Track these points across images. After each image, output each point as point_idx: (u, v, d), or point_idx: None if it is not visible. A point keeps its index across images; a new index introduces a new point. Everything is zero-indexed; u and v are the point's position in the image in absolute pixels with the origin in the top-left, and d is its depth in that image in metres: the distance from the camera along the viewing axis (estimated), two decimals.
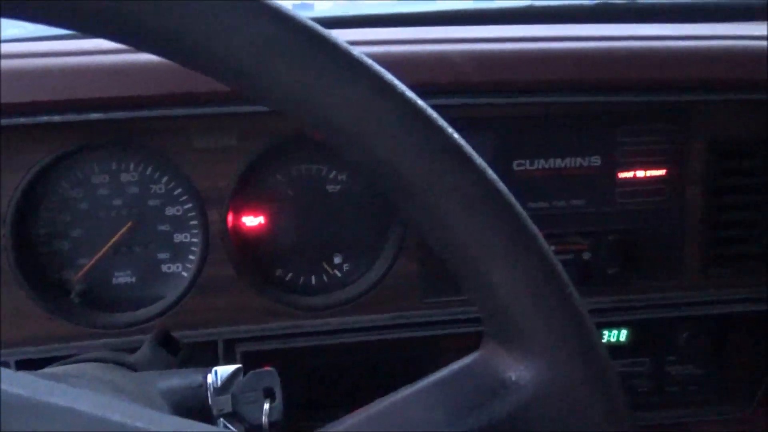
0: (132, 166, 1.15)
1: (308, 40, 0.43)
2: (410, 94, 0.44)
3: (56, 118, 1.03)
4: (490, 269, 0.44)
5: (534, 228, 0.47)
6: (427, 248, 1.19)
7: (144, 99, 1.05)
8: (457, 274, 0.50)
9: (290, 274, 1.23)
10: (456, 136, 0.45)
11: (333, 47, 0.43)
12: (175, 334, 1.05)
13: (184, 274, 1.19)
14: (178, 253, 1.19)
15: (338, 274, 1.23)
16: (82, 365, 0.91)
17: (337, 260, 1.23)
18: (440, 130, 0.44)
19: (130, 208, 1.16)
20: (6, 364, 1.10)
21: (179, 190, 1.16)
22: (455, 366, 0.51)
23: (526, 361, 0.45)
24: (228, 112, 1.07)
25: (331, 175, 1.20)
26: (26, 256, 1.11)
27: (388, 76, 0.44)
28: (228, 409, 0.83)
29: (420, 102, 0.45)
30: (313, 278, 1.23)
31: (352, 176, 1.19)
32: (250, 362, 1.11)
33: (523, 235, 0.45)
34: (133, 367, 0.92)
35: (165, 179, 1.16)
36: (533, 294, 0.45)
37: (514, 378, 0.46)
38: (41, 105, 1.03)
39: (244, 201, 1.16)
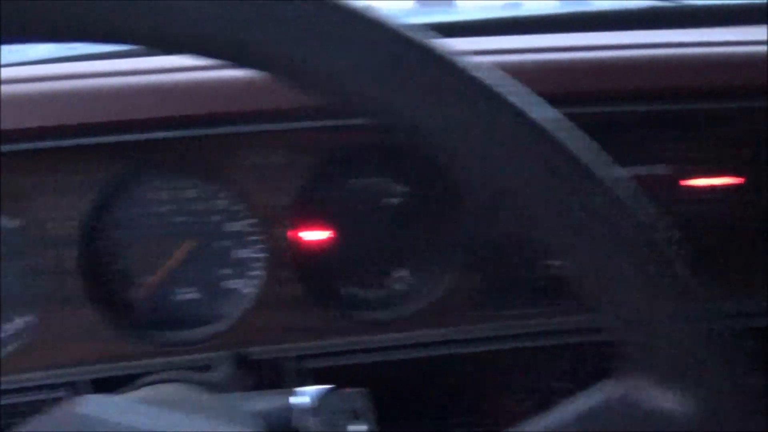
0: (192, 183, 1.14)
1: (430, 60, 0.42)
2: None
3: (118, 138, 1.02)
4: (647, 298, 0.42)
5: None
6: (493, 262, 1.17)
7: (202, 117, 1.04)
8: (591, 294, 0.47)
9: (352, 289, 1.21)
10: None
11: (456, 68, 0.41)
12: (242, 351, 1.03)
13: (246, 290, 1.18)
14: (240, 269, 1.17)
15: (402, 288, 1.22)
16: (164, 387, 0.89)
17: (400, 274, 1.21)
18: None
19: (191, 225, 1.15)
20: (80, 384, 1.09)
21: (239, 206, 1.15)
22: (592, 396, 0.48)
23: (683, 391, 0.43)
24: (283, 129, 1.05)
25: (392, 188, 1.18)
26: (93, 276, 1.09)
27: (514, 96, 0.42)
28: (317, 428, 0.82)
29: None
30: (375, 293, 1.22)
31: (414, 188, 1.17)
32: (318, 379, 1.10)
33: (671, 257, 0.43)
34: (214, 388, 0.91)
35: (225, 195, 1.14)
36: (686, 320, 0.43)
37: (671, 410, 0.44)
38: (103, 125, 1.02)
39: (305, 216, 1.15)
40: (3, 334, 1.14)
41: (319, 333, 1.15)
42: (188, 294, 1.17)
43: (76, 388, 1.10)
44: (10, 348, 1.10)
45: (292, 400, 0.80)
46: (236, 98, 1.04)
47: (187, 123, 1.04)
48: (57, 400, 1.07)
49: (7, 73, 1.07)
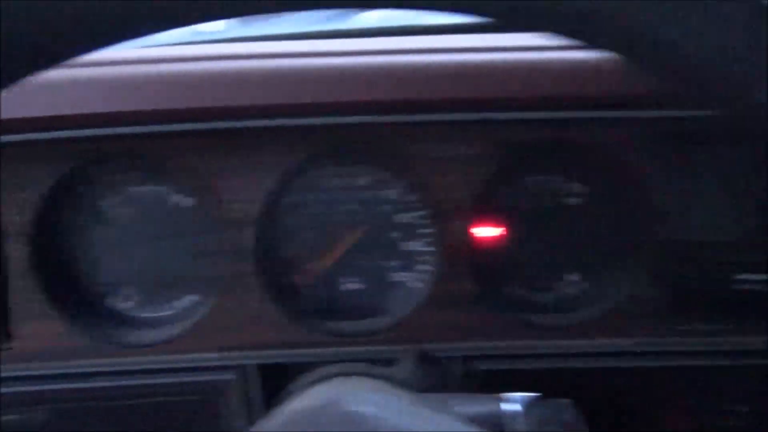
0: (367, 169, 1.10)
1: None
2: None
3: (303, 121, 0.99)
4: None
5: None
6: (678, 271, 1.10)
7: (385, 103, 1.01)
8: None
9: (522, 291, 1.16)
10: None
11: None
12: (408, 348, 0.99)
13: (412, 284, 1.14)
14: (407, 262, 1.14)
15: (573, 292, 1.15)
16: (352, 380, 0.86)
17: (572, 278, 1.15)
18: None
19: (361, 213, 1.11)
20: (248, 369, 1.07)
21: (412, 197, 1.11)
22: None
23: None
24: (470, 120, 1.00)
25: (571, 187, 1.12)
26: (265, 260, 1.08)
27: None
28: None
29: None
30: (545, 295, 1.16)
31: (594, 189, 1.11)
32: (487, 382, 1.05)
33: None
34: (400, 384, 0.87)
35: (398, 185, 1.11)
36: None
37: None
38: (288, 108, 1.00)
39: (480, 213, 1.09)
40: (170, 312, 1.13)
41: (487, 334, 1.10)
42: (354, 284, 1.14)
43: (243, 373, 1.08)
44: (177, 328, 1.09)
45: (503, 406, 0.75)
46: (420, 87, 0.99)
47: (370, 109, 1.00)
48: (225, 383, 1.05)
49: (186, 51, 1.06)
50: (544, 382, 1.11)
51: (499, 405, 0.73)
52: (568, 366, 1.11)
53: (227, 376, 1.08)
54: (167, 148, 1.01)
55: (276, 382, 1.10)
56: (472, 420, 0.73)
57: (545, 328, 1.12)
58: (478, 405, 0.73)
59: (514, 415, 0.75)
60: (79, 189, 1.06)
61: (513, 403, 0.75)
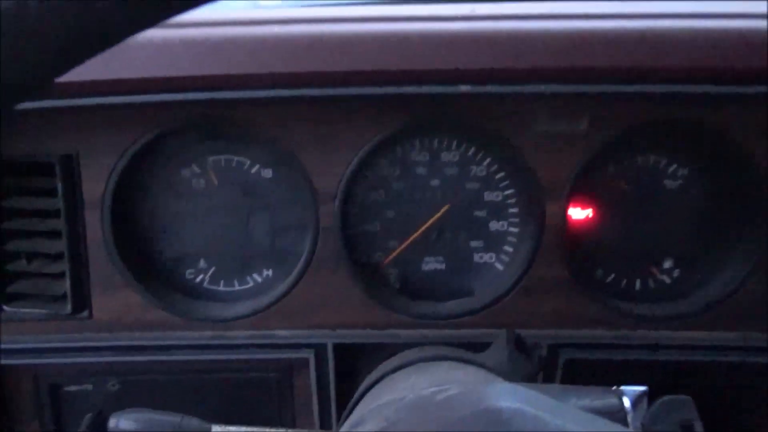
0: (454, 144, 1.04)
1: None
2: None
3: (383, 91, 0.93)
4: None
5: None
6: None
7: (482, 73, 0.93)
8: None
9: (612, 276, 1.10)
10: None
11: None
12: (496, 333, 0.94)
13: (498, 266, 1.08)
14: (493, 242, 1.08)
15: (666, 280, 1.09)
16: (444, 365, 0.81)
17: (666, 265, 1.08)
18: None
19: (446, 191, 1.06)
20: (323, 347, 1.03)
21: (501, 174, 1.05)
22: None
23: None
24: (581, 92, 0.92)
25: (671, 170, 1.04)
26: (348, 236, 1.03)
27: None
28: None
29: None
30: (637, 282, 1.09)
31: (696, 172, 1.03)
32: (572, 371, 0.99)
33: None
34: (494, 371, 0.82)
35: (487, 161, 1.05)
36: None
37: None
38: (380, 75, 0.93)
39: (577, 194, 1.03)
40: (247, 287, 1.09)
41: (576, 322, 1.04)
42: (438, 264, 1.09)
43: (323, 352, 1.04)
44: (254, 303, 1.05)
45: (622, 401, 0.69)
46: (527, 53, 0.92)
47: (465, 78, 0.93)
48: (303, 361, 1.01)
49: (274, 13, 1.01)
50: (632, 375, 1.05)
51: (620, 398, 0.67)
52: (660, 359, 1.04)
53: (305, 354, 1.04)
54: (250, 116, 0.96)
55: (350, 362, 1.06)
56: (597, 413, 0.67)
57: (641, 319, 1.05)
58: (595, 398, 0.67)
59: (635, 408, 0.69)
60: (160, 158, 1.02)
61: (631, 396, 0.69)
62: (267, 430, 0.73)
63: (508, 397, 0.40)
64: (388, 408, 0.56)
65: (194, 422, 0.75)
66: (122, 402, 1.10)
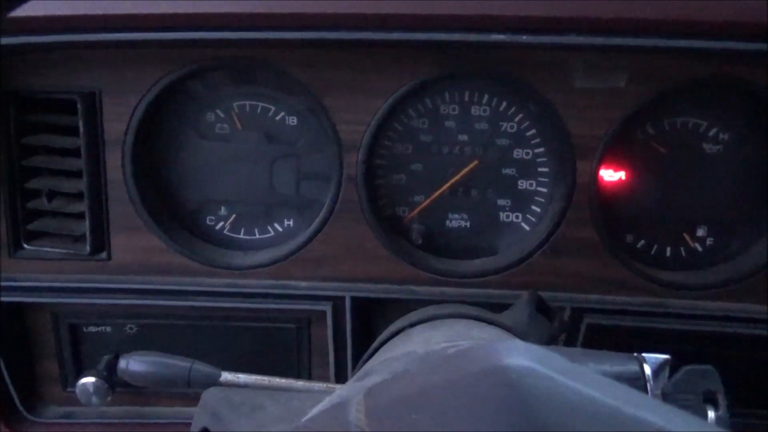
0: (485, 98, 1.01)
1: None
2: None
3: (413, 37, 0.89)
4: None
5: None
6: None
7: (518, 21, 0.88)
8: None
9: (642, 241, 1.05)
10: None
11: None
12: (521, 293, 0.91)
13: (525, 226, 1.05)
14: (520, 201, 1.04)
15: (699, 248, 1.05)
16: (462, 323, 0.78)
17: (700, 233, 1.04)
18: None
19: (474, 146, 1.02)
20: (342, 299, 1.01)
21: (532, 131, 1.01)
22: None
23: None
24: (621, 46, 0.87)
25: (712, 133, 0.99)
26: (370, 188, 1.00)
27: None
28: None
29: None
30: (668, 249, 1.06)
31: (738, 136, 0.98)
32: (595, 337, 0.96)
33: None
34: (513, 331, 0.79)
35: (518, 118, 1.01)
36: None
37: None
38: (401, 20, 0.88)
39: (611, 154, 0.99)
40: (267, 236, 1.07)
41: (603, 286, 1.00)
42: (463, 221, 1.06)
43: (337, 304, 1.02)
44: (274, 252, 1.03)
45: (642, 367, 0.66)
46: (565, 0, 0.86)
47: (501, 26, 0.89)
48: (316, 313, 1.00)
49: None
50: (656, 344, 1.02)
51: (640, 365, 0.64)
52: (685, 329, 1.01)
53: (322, 306, 1.02)
54: (278, 59, 0.93)
55: (368, 316, 1.04)
56: (615, 378, 0.65)
57: (672, 286, 1.02)
58: (613, 363, 0.65)
59: (656, 376, 0.66)
60: (184, 100, 1.00)
61: (653, 364, 0.66)
62: (277, 379, 0.71)
63: (520, 355, 0.38)
64: (398, 361, 0.53)
65: (205, 368, 0.73)
66: (139, 345, 1.10)
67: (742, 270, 1.00)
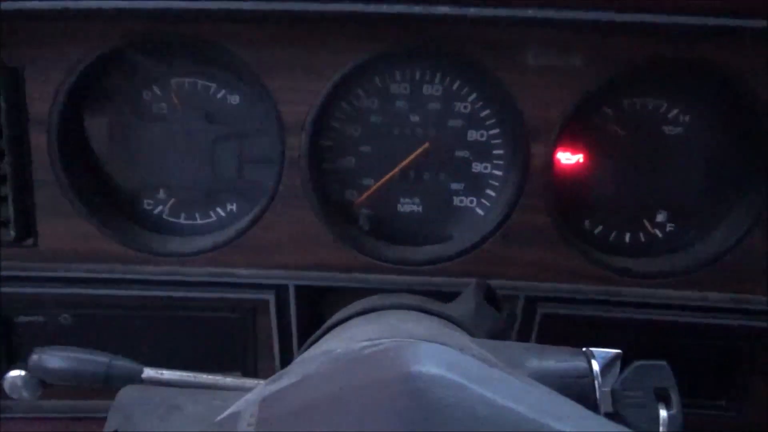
0: (438, 77, 0.96)
1: None
2: None
3: (359, 9, 0.84)
4: None
5: None
6: None
7: None
8: None
9: (600, 227, 1.01)
10: None
11: None
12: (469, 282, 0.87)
13: (479, 211, 1.00)
14: (475, 185, 0.99)
15: (659, 234, 1.01)
16: (410, 315, 0.73)
17: (660, 218, 1.00)
18: None
19: (427, 127, 0.97)
20: (285, 288, 0.96)
21: (486, 111, 0.96)
22: None
23: None
24: (576, 20, 0.83)
25: (672, 114, 0.95)
26: (316, 173, 0.95)
27: None
28: (607, 408, 0.64)
29: None
30: (627, 236, 1.02)
31: (699, 118, 0.94)
32: (551, 327, 0.92)
33: None
34: (458, 323, 0.74)
35: (472, 98, 0.95)
36: None
37: None
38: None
39: (567, 136, 0.94)
40: (208, 221, 1.01)
41: (558, 275, 0.96)
42: (414, 206, 1.01)
43: (281, 293, 0.97)
44: (215, 239, 0.98)
45: (590, 363, 0.62)
46: None
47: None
48: (261, 303, 0.95)
49: None
50: (613, 335, 0.98)
51: (588, 361, 0.60)
52: (644, 319, 0.97)
53: (265, 295, 0.97)
54: (213, 33, 0.87)
55: (315, 305, 0.99)
56: (560, 376, 0.60)
57: (628, 274, 0.97)
58: (563, 360, 0.60)
59: (606, 372, 0.62)
60: (116, 76, 0.93)
61: (602, 359, 0.62)
62: (204, 376, 0.66)
63: (430, 361, 0.32)
64: (312, 362, 0.48)
65: (125, 363, 0.68)
66: (75, 336, 1.04)
67: (702, 257, 0.97)
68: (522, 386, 0.34)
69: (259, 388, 0.47)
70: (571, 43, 0.87)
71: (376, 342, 0.49)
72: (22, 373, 0.97)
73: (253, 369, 1.05)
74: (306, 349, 0.72)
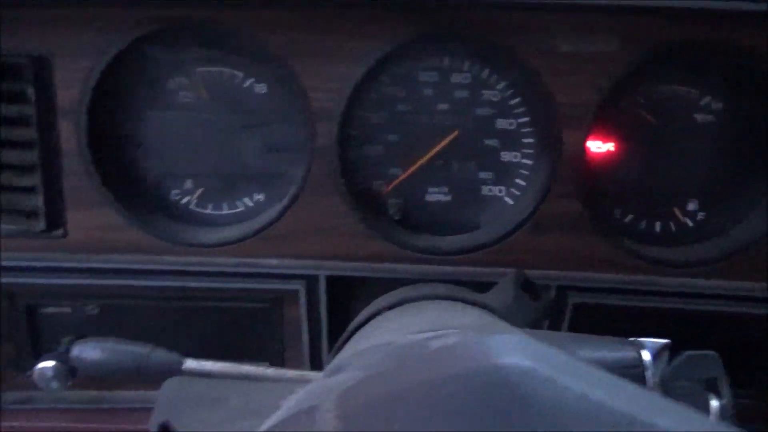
0: (466, 65, 0.94)
1: None
2: None
3: None
4: None
5: None
6: None
7: None
8: None
9: (631, 216, 1.00)
10: None
11: None
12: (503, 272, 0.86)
13: (508, 200, 0.99)
14: (503, 174, 0.99)
15: (689, 223, 1.00)
16: (443, 304, 0.73)
17: (690, 207, 0.99)
18: None
19: (455, 116, 0.96)
20: (315, 278, 0.95)
21: (516, 99, 0.95)
22: None
23: None
24: (611, 6, 0.82)
25: (704, 102, 0.94)
26: (345, 160, 0.94)
27: None
28: None
29: None
30: (657, 224, 1.01)
31: (731, 105, 0.93)
32: (582, 317, 0.92)
33: None
34: (498, 313, 0.74)
35: (501, 85, 0.94)
36: None
37: None
38: None
39: (599, 124, 0.93)
40: (236, 211, 1.01)
41: (590, 263, 0.96)
42: (442, 195, 1.00)
43: (311, 283, 0.96)
44: (243, 229, 0.97)
45: (640, 354, 0.61)
46: None
47: None
48: (288, 293, 0.94)
49: None
50: (644, 324, 0.97)
51: (638, 351, 0.59)
52: (675, 308, 0.96)
53: (295, 285, 0.96)
54: (242, 21, 0.86)
55: (344, 295, 0.99)
56: (611, 366, 0.60)
57: (656, 263, 0.97)
58: (614, 350, 0.60)
59: (655, 362, 0.61)
60: (144, 65, 0.92)
61: (652, 349, 0.61)
62: (245, 367, 0.65)
63: (517, 352, 0.32)
64: (373, 354, 0.48)
65: (165, 354, 0.67)
66: (102, 326, 1.04)
67: (733, 246, 0.96)
68: (611, 380, 0.34)
69: (319, 381, 0.47)
70: (603, 28, 0.86)
71: (438, 333, 0.48)
72: (52, 363, 0.96)
73: (279, 359, 1.05)
74: (346, 340, 0.71)
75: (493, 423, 0.31)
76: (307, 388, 0.48)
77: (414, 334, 0.51)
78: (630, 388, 0.34)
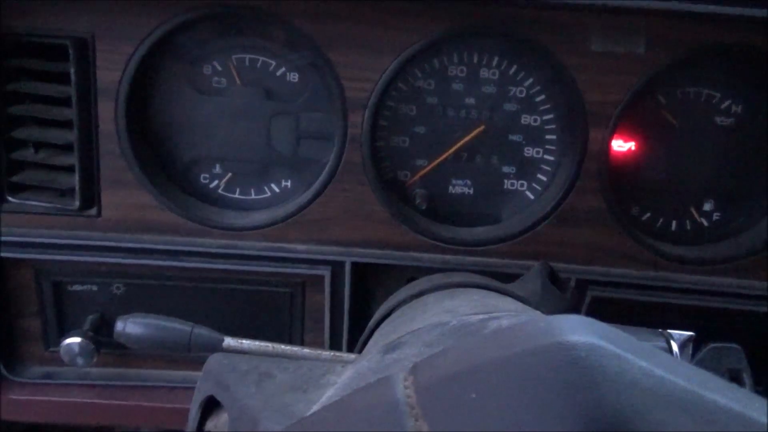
0: (495, 61, 0.96)
1: None
2: None
3: None
4: None
5: None
6: None
7: None
8: None
9: (648, 214, 1.03)
10: None
11: None
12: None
13: (529, 194, 1.02)
14: (525, 169, 1.01)
15: (705, 223, 1.03)
16: (472, 293, 0.75)
17: (707, 207, 1.02)
18: None
19: (481, 110, 0.98)
20: (341, 264, 0.97)
21: (542, 96, 0.98)
22: None
23: None
24: (643, 8, 0.84)
25: (725, 105, 0.97)
26: (373, 150, 0.96)
27: None
28: None
29: None
30: (674, 223, 1.03)
31: (752, 110, 0.96)
32: (599, 310, 0.94)
33: None
34: (527, 302, 0.77)
35: (528, 82, 0.97)
36: None
37: None
38: None
39: (622, 123, 0.95)
40: (264, 196, 1.03)
41: (610, 259, 0.98)
42: (462, 187, 1.02)
43: (336, 269, 0.99)
44: (271, 213, 0.99)
45: (669, 343, 0.64)
46: None
47: None
48: (312, 277, 0.96)
49: None
50: (661, 319, 1.00)
51: (668, 341, 0.62)
52: (691, 304, 0.99)
53: (321, 271, 0.99)
54: (280, 9, 0.88)
55: (367, 282, 1.01)
56: None
57: (673, 260, 0.99)
58: (644, 339, 0.62)
59: (681, 352, 0.64)
60: (181, 50, 0.95)
61: (678, 340, 0.64)
62: (282, 346, 0.68)
63: (581, 330, 0.34)
64: (429, 333, 0.50)
65: (206, 332, 0.70)
66: (126, 306, 1.06)
67: (747, 246, 0.99)
68: (668, 358, 0.36)
69: (375, 356, 0.49)
70: (634, 29, 0.88)
71: (494, 316, 0.51)
72: (79, 339, 0.99)
73: (299, 342, 1.07)
74: (381, 321, 0.74)
75: (566, 395, 0.33)
76: (361, 364, 0.50)
77: (464, 316, 0.54)
78: (685, 365, 0.36)
